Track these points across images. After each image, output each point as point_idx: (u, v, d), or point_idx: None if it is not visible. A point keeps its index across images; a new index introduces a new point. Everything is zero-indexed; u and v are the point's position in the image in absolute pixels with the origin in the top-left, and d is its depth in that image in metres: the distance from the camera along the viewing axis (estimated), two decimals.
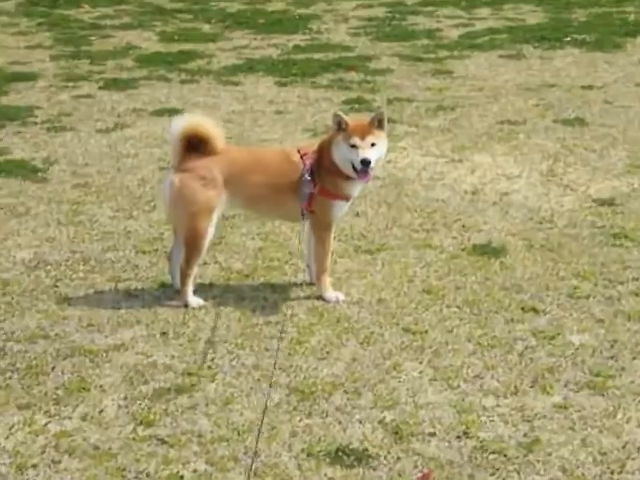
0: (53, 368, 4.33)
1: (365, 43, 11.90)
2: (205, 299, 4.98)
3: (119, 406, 4.04)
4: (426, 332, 4.66)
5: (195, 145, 4.78)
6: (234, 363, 4.39)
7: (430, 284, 5.19)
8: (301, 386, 4.19)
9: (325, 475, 3.61)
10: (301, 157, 4.84)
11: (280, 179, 4.85)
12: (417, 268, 5.39)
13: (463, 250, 5.63)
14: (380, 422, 3.93)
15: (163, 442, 3.79)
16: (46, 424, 3.91)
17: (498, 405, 4.05)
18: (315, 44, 11.82)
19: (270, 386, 4.13)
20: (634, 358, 4.41)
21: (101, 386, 4.19)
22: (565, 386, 4.18)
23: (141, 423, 3.91)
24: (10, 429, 3.87)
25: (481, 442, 3.79)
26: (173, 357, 4.44)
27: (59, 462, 3.67)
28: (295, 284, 5.21)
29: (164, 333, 4.66)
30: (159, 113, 8.63)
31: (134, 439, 3.81)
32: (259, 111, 8.78)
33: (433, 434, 3.84)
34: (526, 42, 11.72)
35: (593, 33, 12.11)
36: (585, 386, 4.18)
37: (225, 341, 4.58)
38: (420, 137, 7.89)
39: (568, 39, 11.85)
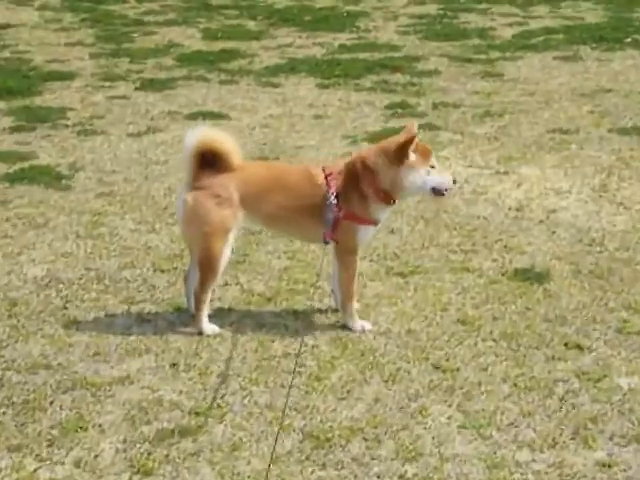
0: (51, 403, 4.01)
1: (413, 42, 11.45)
2: (222, 325, 4.64)
3: (117, 450, 3.70)
4: (458, 370, 4.26)
5: (210, 161, 4.44)
6: (246, 402, 4.03)
7: (465, 313, 4.78)
8: (316, 431, 3.82)
9: None
10: (325, 177, 4.46)
11: (302, 201, 4.48)
12: (452, 294, 4.99)
13: (503, 275, 5.21)
14: (401, 478, 3.55)
15: None
16: (35, 470, 3.59)
17: (533, 460, 3.64)
18: (361, 43, 11.41)
19: (280, 430, 3.75)
20: None
21: (100, 425, 3.86)
22: (610, 439, 3.75)
23: (138, 472, 3.57)
24: None
25: None
26: (181, 392, 4.10)
27: None
28: (320, 310, 4.85)
29: (174, 364, 4.32)
30: (194, 116, 8.29)
31: None
32: (297, 115, 8.41)
33: None
34: (583, 43, 11.17)
35: None
36: (633, 440, 3.74)
37: (239, 375, 4.23)
38: (465, 146, 7.45)
39: (629, 40, 11.22)
